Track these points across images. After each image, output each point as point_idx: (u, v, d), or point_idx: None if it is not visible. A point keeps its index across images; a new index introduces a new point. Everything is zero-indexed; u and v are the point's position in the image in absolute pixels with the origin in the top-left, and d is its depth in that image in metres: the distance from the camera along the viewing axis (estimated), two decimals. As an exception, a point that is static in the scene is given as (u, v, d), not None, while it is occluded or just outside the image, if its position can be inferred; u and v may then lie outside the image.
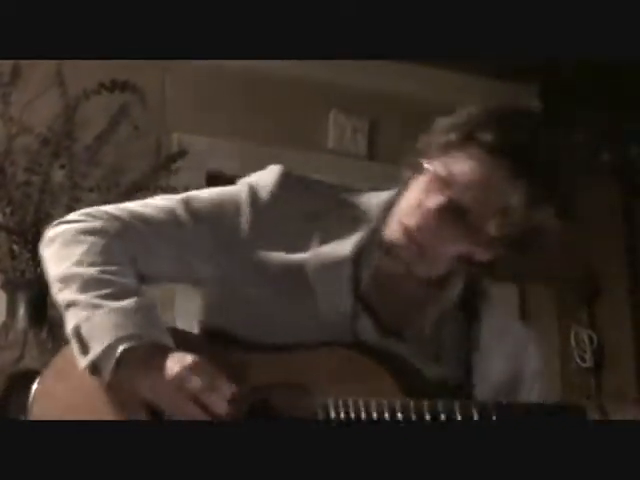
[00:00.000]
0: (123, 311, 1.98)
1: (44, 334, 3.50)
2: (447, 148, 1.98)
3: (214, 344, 2.03)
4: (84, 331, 1.96)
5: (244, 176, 2.15)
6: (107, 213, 2.11)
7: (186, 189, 3.44)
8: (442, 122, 2.02)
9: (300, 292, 2.04)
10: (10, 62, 3.59)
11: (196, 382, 1.90)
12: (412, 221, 1.95)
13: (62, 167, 3.57)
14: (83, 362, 1.96)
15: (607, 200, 4.28)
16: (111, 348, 1.91)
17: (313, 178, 2.17)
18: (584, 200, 4.11)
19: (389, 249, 2.03)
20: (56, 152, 3.58)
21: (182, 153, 3.78)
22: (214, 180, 3.86)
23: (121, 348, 1.91)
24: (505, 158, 1.93)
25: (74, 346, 1.97)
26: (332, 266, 2.04)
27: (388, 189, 2.14)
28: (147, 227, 2.09)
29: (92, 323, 1.96)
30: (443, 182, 1.94)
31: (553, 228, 1.94)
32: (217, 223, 2.06)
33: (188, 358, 1.92)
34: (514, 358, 2.16)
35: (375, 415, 1.92)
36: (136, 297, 2.00)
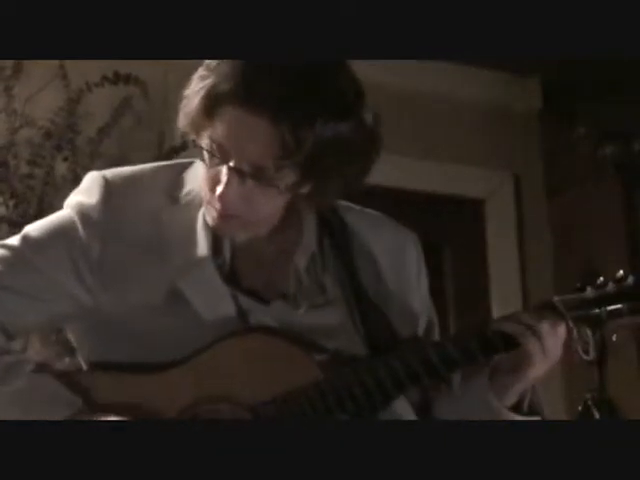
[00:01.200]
0: (21, 394, 1.87)
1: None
2: (201, 121, 1.90)
3: (111, 375, 1.93)
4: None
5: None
6: None
7: None
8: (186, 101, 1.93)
9: (176, 306, 1.96)
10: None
11: None
12: (217, 204, 1.89)
13: (65, 159, 3.61)
14: None
15: (608, 192, 4.31)
16: None
17: (136, 170, 2.07)
18: (584, 191, 4.12)
19: (218, 235, 1.99)
20: (59, 145, 3.62)
21: (185, 145, 3.57)
22: None
23: None
24: (253, 106, 1.84)
25: None
26: (197, 270, 1.97)
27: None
28: None
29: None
30: (216, 155, 1.88)
31: (337, 137, 1.85)
32: (65, 250, 1.93)
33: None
34: (393, 251, 2.14)
35: (305, 406, 1.90)
36: (23, 376, 1.88)
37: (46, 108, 3.67)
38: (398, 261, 2.12)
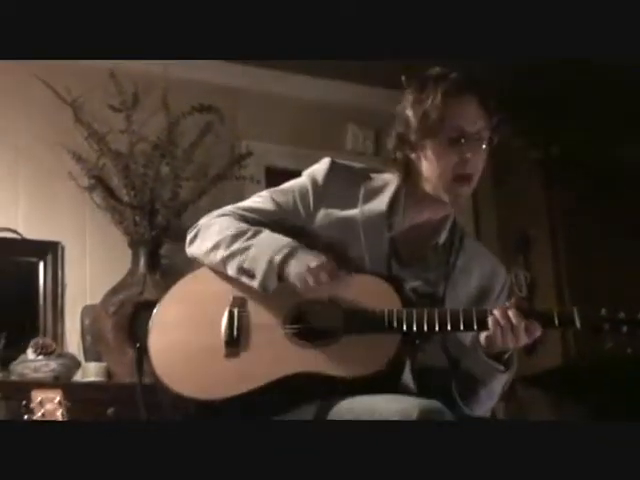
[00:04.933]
0: (263, 241, 2.33)
1: (157, 277, 4.13)
2: (435, 120, 2.28)
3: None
4: (246, 265, 2.32)
5: (291, 169, 2.76)
6: (220, 210, 2.47)
7: (251, 178, 4.19)
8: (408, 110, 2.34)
9: (351, 238, 2.38)
10: (131, 93, 4.19)
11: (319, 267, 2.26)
12: (467, 169, 2.29)
13: (167, 164, 4.20)
14: (255, 284, 2.31)
15: (535, 182, 4.93)
16: (271, 264, 2.29)
17: (351, 163, 2.50)
18: (519, 182, 4.87)
19: (426, 201, 2.37)
20: (163, 154, 4.20)
21: (248, 154, 4.41)
22: (270, 172, 4.62)
23: (277, 259, 2.29)
24: (470, 93, 2.30)
25: (244, 280, 2.32)
26: (375, 218, 2.38)
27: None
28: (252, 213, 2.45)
29: (249, 258, 2.33)
30: (457, 138, 2.27)
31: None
32: (296, 202, 2.43)
33: (320, 256, 2.29)
34: (487, 277, 2.44)
35: (385, 319, 2.24)
36: (263, 231, 2.36)
37: (154, 129, 4.27)
38: (487, 284, 2.44)
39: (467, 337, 2.35)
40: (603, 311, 2.18)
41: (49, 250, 4.30)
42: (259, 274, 2.27)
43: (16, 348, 3.94)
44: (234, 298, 2.36)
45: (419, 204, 2.38)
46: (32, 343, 3.92)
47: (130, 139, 4.24)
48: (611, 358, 4.08)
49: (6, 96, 4.37)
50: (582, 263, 4.72)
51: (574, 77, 4.46)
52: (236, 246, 2.31)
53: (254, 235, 2.33)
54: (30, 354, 3.87)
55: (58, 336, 4.20)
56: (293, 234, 2.37)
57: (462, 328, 2.23)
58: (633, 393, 4.43)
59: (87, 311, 4.21)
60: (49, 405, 2.14)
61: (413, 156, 2.33)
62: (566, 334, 4.56)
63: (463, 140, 2.27)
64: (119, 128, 4.24)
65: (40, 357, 3.86)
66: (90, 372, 4.01)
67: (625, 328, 2.17)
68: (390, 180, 2.42)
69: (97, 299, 4.20)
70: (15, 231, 4.27)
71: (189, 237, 2.45)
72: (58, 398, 2.17)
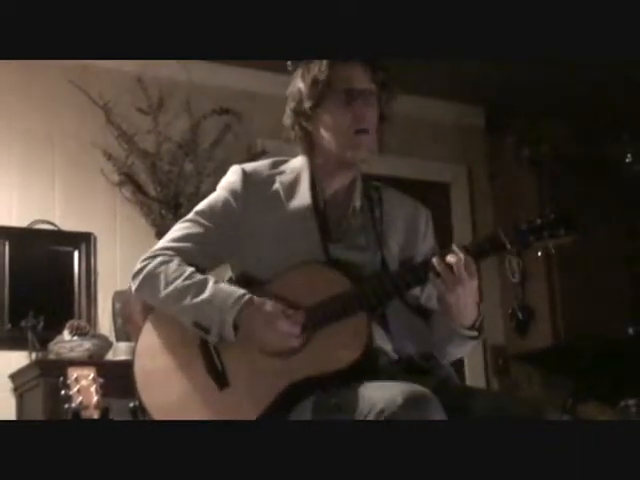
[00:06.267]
0: (212, 297, 2.22)
1: None
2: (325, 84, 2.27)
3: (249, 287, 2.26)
4: (200, 321, 2.23)
5: None
6: (157, 250, 2.34)
7: None
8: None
9: (287, 234, 2.30)
10: (156, 97, 4.32)
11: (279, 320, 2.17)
12: (362, 125, 2.27)
13: (191, 162, 4.36)
14: (212, 339, 2.22)
15: (527, 178, 5.05)
16: (223, 322, 2.20)
17: (257, 164, 2.42)
18: (513, 178, 5.12)
19: (334, 170, 2.32)
20: (187, 152, 4.36)
21: (263, 152, 4.50)
22: None
23: (230, 318, 2.20)
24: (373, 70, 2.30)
25: (200, 333, 2.23)
26: (303, 211, 2.32)
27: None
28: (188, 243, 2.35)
29: (201, 315, 2.23)
30: (345, 96, 2.27)
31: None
32: (223, 216, 2.34)
33: (267, 304, 2.19)
34: (410, 218, 2.41)
35: (342, 304, 2.19)
36: (210, 283, 2.25)
37: (178, 130, 4.42)
38: (411, 225, 2.42)
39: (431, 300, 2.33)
40: (524, 226, 2.18)
41: (83, 240, 4.43)
42: (214, 331, 2.22)
43: (54, 330, 4.08)
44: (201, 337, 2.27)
45: (329, 175, 2.35)
46: (68, 325, 4.06)
47: (156, 139, 4.38)
48: (594, 340, 4.55)
49: (45, 100, 4.50)
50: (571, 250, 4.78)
51: (565, 79, 4.60)
52: (186, 302, 2.23)
53: (201, 290, 2.24)
54: (66, 335, 4.02)
55: (91, 319, 4.34)
56: (230, 248, 2.34)
57: (413, 285, 2.22)
58: (614, 372, 4.64)
59: (117, 296, 4.32)
60: (84, 381, 2.15)
61: (311, 128, 2.32)
62: (555, 319, 4.71)
63: (353, 98, 2.27)
64: (146, 129, 4.38)
65: (75, 338, 4.00)
66: (121, 351, 4.12)
67: (546, 232, 2.18)
68: (300, 168, 2.38)
69: (126, 285, 4.01)
70: (52, 223, 4.40)
71: (133, 287, 2.34)
72: (92, 375, 2.17)
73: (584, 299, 4.90)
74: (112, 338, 4.23)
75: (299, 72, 2.34)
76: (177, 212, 4.28)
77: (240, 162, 3.81)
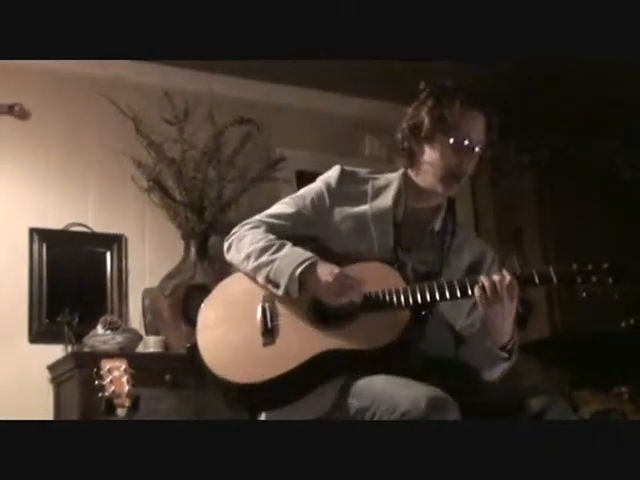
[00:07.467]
0: (286, 255, 2.41)
1: (206, 264, 4.34)
2: (435, 126, 2.38)
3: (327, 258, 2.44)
4: (272, 276, 2.40)
5: (318, 172, 2.63)
6: (251, 220, 2.55)
7: (284, 180, 4.39)
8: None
9: (362, 230, 2.46)
10: (182, 108, 4.41)
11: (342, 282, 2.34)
12: (461, 171, 2.38)
13: (214, 168, 4.45)
14: (280, 293, 2.39)
15: (527, 181, 5.19)
16: (292, 276, 2.37)
17: (357, 169, 2.60)
18: (513, 183, 5.20)
19: (422, 192, 2.45)
20: (210, 159, 4.45)
21: (282, 159, 4.66)
22: (300, 175, 4.74)
23: (297, 272, 2.37)
24: (480, 109, 2.39)
25: (270, 288, 2.41)
26: (382, 212, 2.48)
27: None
28: (278, 219, 2.53)
29: (273, 270, 2.41)
30: (457, 148, 2.36)
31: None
32: (314, 203, 2.53)
33: (334, 268, 2.37)
34: (477, 256, 2.53)
35: (393, 298, 2.33)
36: (287, 245, 2.45)
37: (202, 139, 4.50)
38: (476, 262, 2.53)
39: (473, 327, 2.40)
40: (574, 266, 2.27)
41: (115, 242, 4.56)
42: (282, 285, 2.38)
43: (88, 324, 4.23)
44: (264, 296, 2.46)
45: (417, 194, 2.48)
46: (101, 320, 4.17)
47: (182, 147, 4.47)
48: (591, 332, 4.64)
49: (79, 112, 4.66)
50: (566, 249, 4.86)
51: (564, 83, 4.66)
52: (263, 259, 2.41)
53: (278, 249, 2.43)
54: (100, 329, 4.13)
55: (123, 314, 4.46)
56: (315, 231, 2.51)
57: (458, 295, 2.30)
58: (610, 362, 4.73)
59: (147, 293, 4.46)
60: (116, 372, 2.21)
61: (417, 149, 2.44)
62: (553, 311, 4.83)
63: (465, 148, 2.39)
64: (173, 138, 4.47)
65: (108, 332, 4.11)
66: (150, 344, 4.25)
67: (594, 278, 2.25)
68: (393, 179, 2.52)
69: (155, 283, 4.44)
70: (86, 226, 4.53)
71: (225, 245, 2.55)
72: (123, 366, 2.24)
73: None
74: (142, 332, 4.37)
75: (430, 102, 2.44)
76: (201, 215, 4.41)
77: (260, 168, 4.50)
